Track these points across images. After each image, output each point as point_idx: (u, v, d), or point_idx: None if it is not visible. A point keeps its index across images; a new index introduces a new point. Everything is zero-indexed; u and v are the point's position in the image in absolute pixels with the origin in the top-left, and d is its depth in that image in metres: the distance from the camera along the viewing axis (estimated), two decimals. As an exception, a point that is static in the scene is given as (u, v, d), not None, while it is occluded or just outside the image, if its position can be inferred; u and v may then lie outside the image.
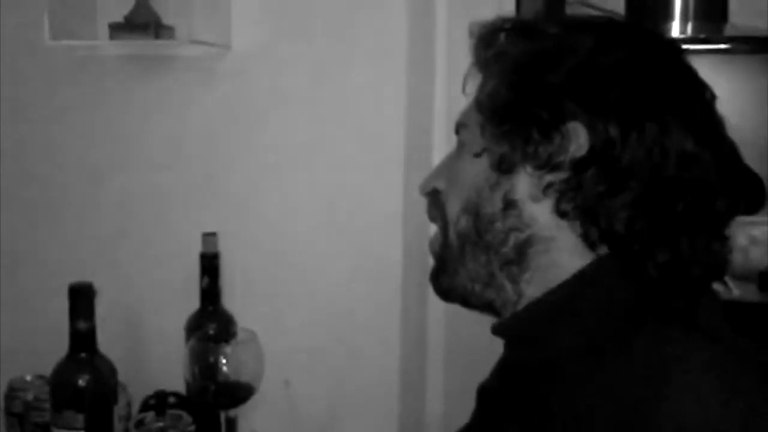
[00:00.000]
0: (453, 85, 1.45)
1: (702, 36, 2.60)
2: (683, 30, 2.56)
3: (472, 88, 0.84)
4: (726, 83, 2.67)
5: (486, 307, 0.83)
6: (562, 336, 0.76)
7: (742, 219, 0.79)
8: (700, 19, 2.56)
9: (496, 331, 0.84)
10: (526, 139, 0.76)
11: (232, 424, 1.21)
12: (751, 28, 2.54)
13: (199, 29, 1.42)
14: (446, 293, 0.85)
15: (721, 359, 0.69)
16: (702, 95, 0.78)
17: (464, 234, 0.81)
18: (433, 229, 0.88)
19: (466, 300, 0.83)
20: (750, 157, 0.81)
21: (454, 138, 0.88)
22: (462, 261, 0.82)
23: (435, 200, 0.86)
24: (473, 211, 0.80)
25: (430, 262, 0.88)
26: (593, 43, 0.76)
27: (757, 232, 2.66)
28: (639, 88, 0.75)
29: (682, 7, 2.55)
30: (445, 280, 0.84)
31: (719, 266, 0.77)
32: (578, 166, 0.74)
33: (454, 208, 0.82)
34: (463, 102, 0.86)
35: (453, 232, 0.82)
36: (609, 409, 0.69)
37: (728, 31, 2.59)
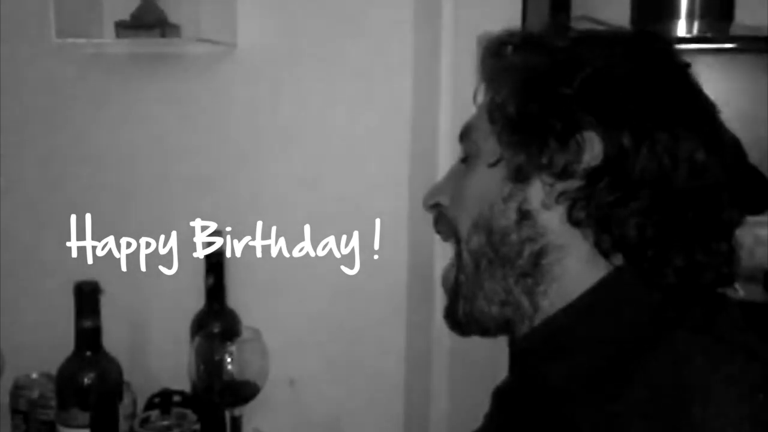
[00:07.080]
0: (458, 84, 1.46)
1: (708, 35, 2.59)
2: (689, 29, 2.54)
3: (480, 98, 0.84)
4: (732, 82, 2.67)
5: (503, 327, 0.82)
6: (586, 349, 0.75)
7: (746, 219, 0.79)
8: (706, 18, 2.54)
9: (517, 346, 0.83)
10: (542, 148, 0.76)
11: (236, 422, 1.21)
12: (758, 28, 2.53)
13: (205, 27, 1.43)
14: (465, 323, 0.83)
15: (748, 369, 0.69)
16: (707, 105, 0.78)
17: (478, 252, 0.80)
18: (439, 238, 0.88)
19: (484, 325, 0.82)
20: (755, 156, 0.81)
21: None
22: (479, 282, 0.81)
23: (441, 215, 0.86)
24: (485, 226, 0.79)
25: (439, 264, 0.87)
26: (603, 55, 0.77)
27: (762, 232, 2.64)
28: (650, 98, 0.75)
29: (688, 6, 2.54)
30: (463, 308, 0.82)
31: (731, 270, 0.77)
32: (592, 175, 0.74)
33: (464, 225, 0.81)
34: (469, 105, 0.86)
35: (466, 252, 0.81)
36: (638, 424, 0.68)
37: (734, 30, 2.58)
